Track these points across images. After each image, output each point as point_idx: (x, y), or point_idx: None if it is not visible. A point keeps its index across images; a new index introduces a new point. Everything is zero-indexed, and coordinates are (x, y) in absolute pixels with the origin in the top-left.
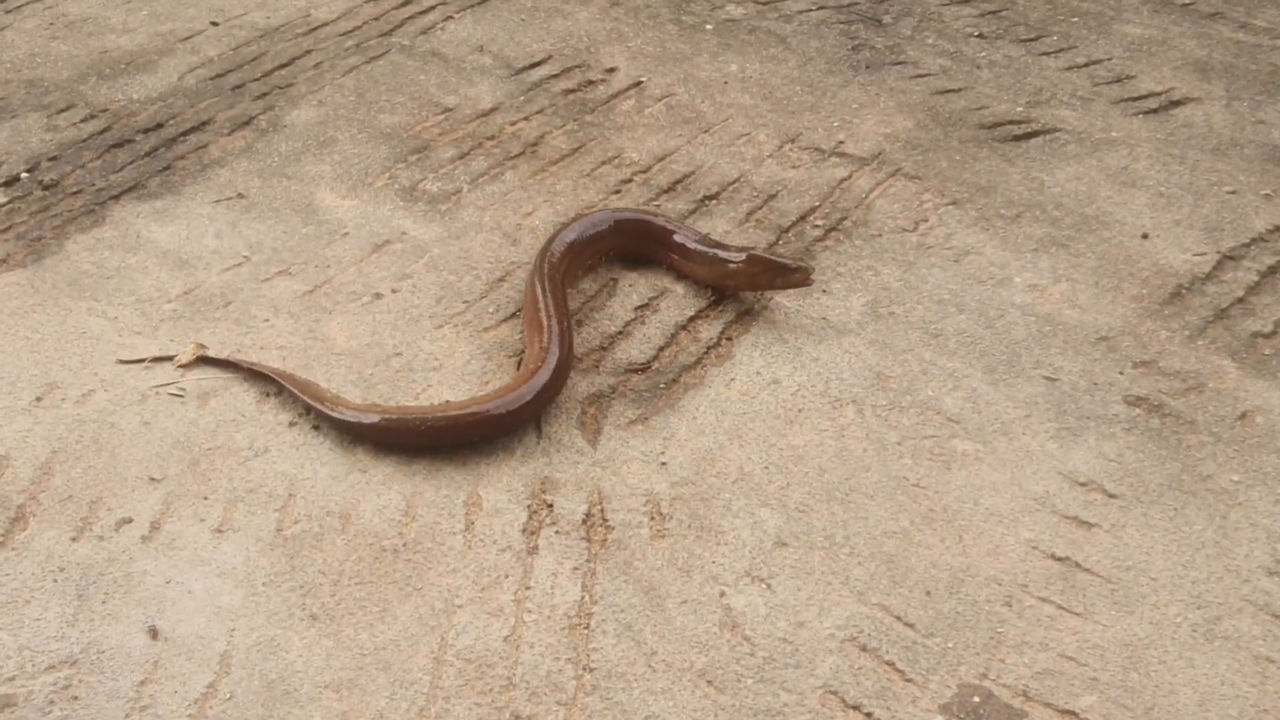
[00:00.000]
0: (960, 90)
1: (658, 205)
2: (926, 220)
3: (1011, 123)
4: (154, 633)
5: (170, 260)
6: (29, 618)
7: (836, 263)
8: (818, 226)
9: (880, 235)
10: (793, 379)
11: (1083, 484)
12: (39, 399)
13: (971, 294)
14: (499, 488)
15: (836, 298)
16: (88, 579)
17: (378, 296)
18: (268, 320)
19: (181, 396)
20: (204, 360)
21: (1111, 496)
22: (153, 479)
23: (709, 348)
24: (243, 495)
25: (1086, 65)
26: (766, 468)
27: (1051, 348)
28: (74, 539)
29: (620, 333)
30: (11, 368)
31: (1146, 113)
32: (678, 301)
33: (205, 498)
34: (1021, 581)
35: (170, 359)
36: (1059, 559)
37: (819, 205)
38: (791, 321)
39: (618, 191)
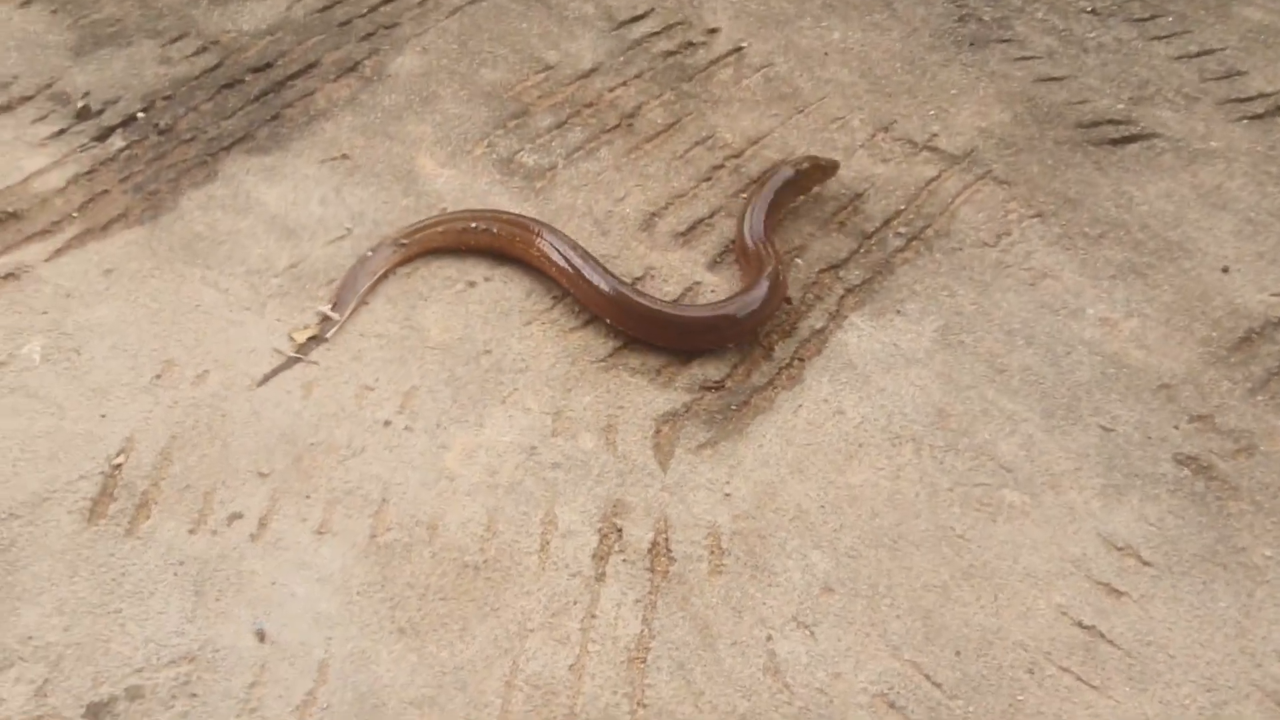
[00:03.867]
0: (1063, 79)
1: (745, 196)
2: (1009, 234)
3: (1111, 122)
4: (261, 635)
5: (278, 228)
6: (154, 610)
7: (914, 279)
8: (900, 234)
9: (961, 249)
10: (857, 410)
11: (1120, 548)
12: (158, 377)
13: (1042, 325)
14: (574, 508)
15: (910, 320)
16: (203, 574)
17: (471, 285)
18: (366, 303)
19: (296, 364)
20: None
21: (1145, 564)
22: (260, 473)
23: (781, 368)
24: (341, 497)
25: (1198, 55)
26: (823, 507)
27: (1112, 393)
28: (191, 531)
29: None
30: (134, 339)
31: (1251, 118)
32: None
33: (307, 496)
34: (1046, 649)
35: (298, 359)
36: (1085, 627)
37: (904, 209)
38: (863, 344)
39: (709, 179)
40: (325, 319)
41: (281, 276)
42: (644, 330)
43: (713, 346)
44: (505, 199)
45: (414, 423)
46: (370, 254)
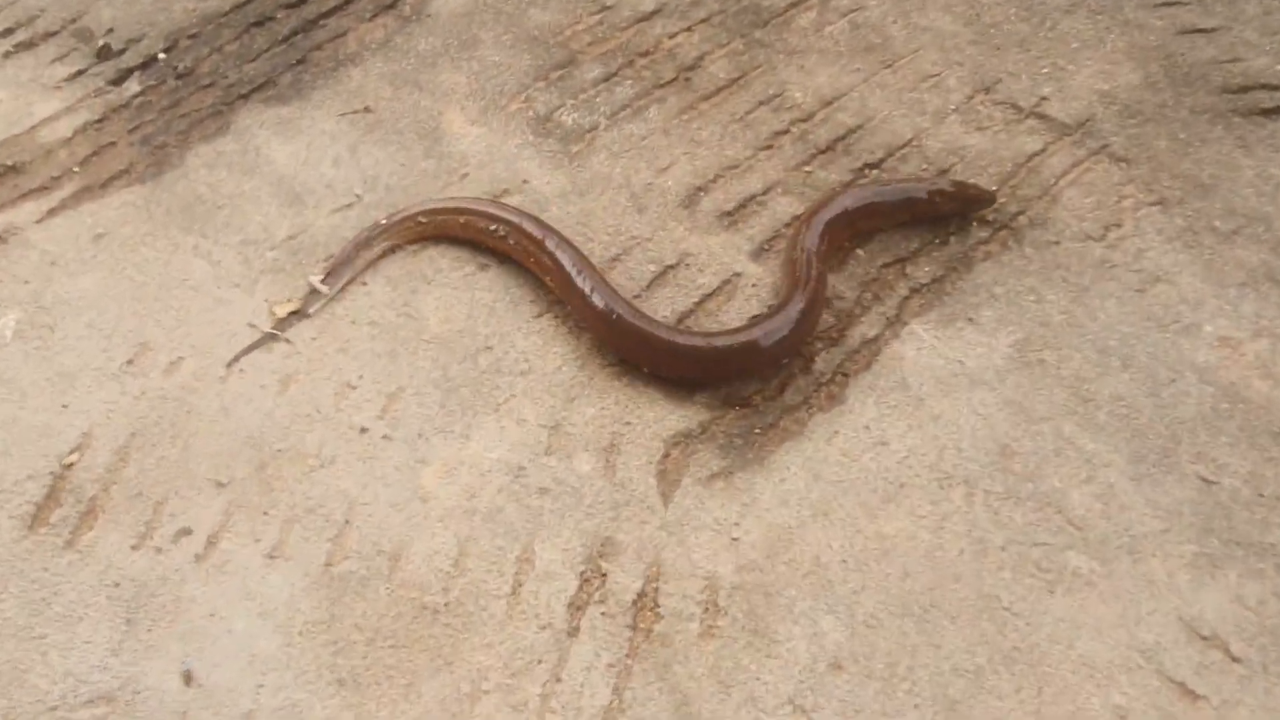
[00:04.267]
0: (1213, 32)
1: (808, 170)
2: (1120, 225)
3: (1265, 87)
4: (188, 677)
5: (284, 191)
6: (80, 638)
7: (996, 279)
8: (986, 222)
9: (1058, 243)
10: (903, 441)
11: (1205, 637)
12: (130, 362)
13: (1146, 343)
14: (556, 544)
15: (983, 330)
16: (139, 599)
17: (482, 267)
18: (364, 283)
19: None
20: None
21: (1234, 660)
22: (219, 483)
23: (820, 384)
24: (301, 515)
25: None
26: (845, 561)
27: (1222, 435)
28: (134, 547)
29: None
30: (113, 316)
31: None
32: None
33: (265, 513)
34: None
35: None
36: None
37: (996, 190)
38: (922, 359)
39: (769, 146)
40: (313, 291)
41: (278, 249)
42: (645, 358)
43: (727, 380)
44: (535, 165)
45: (394, 430)
46: (383, 222)
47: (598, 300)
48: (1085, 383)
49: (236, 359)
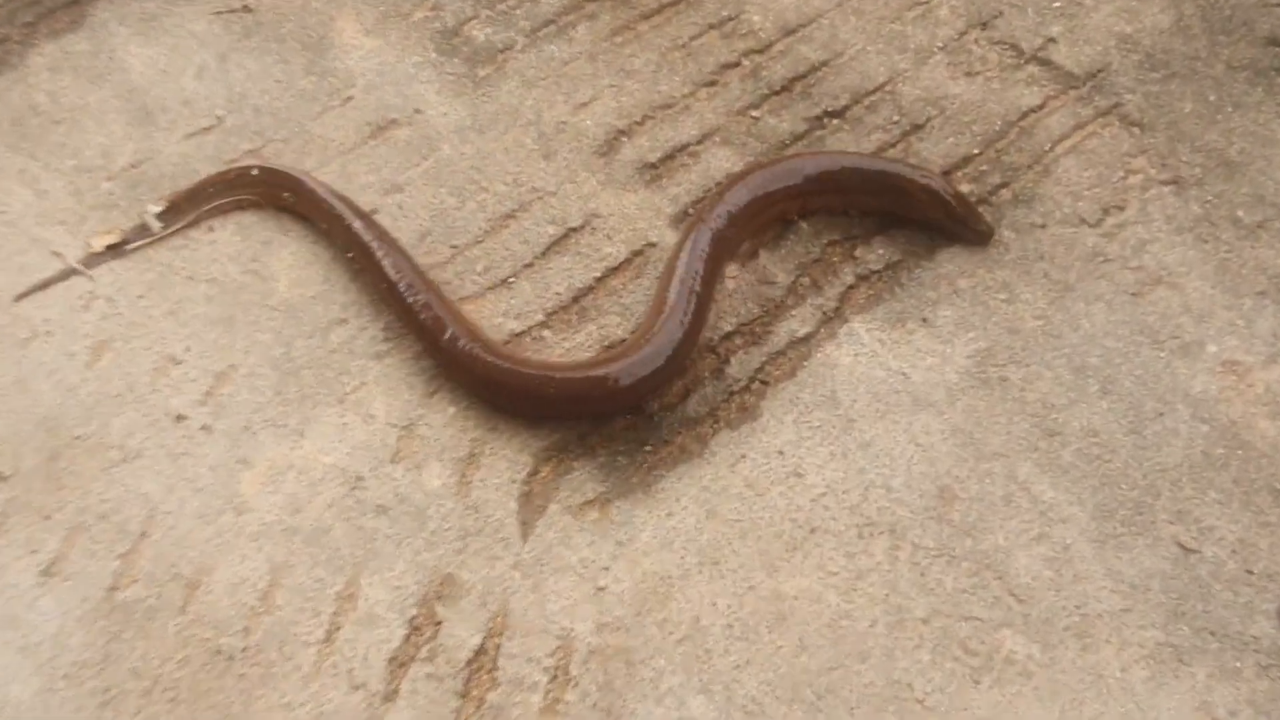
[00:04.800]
0: None
1: (755, 115)
2: (1123, 209)
3: None
4: None
5: (134, 106)
6: None
7: (961, 269)
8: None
9: (1045, 225)
10: (822, 473)
11: None
12: None
13: (1134, 363)
14: (388, 579)
15: (937, 335)
16: None
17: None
18: (210, 231)
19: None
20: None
21: None
22: (1, 475)
23: (732, 393)
24: (91, 522)
25: None
26: (730, 626)
27: (1211, 489)
28: None
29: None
30: None
31: None
32: (729, 300)
33: (48, 517)
34: None
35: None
36: None
37: (979, 154)
38: (860, 368)
39: (712, 82)
40: (143, 225)
41: (116, 180)
42: (469, 384)
43: (568, 420)
44: (433, 90)
45: (216, 420)
46: (255, 172)
47: (418, 307)
48: (1053, 411)
49: (27, 294)
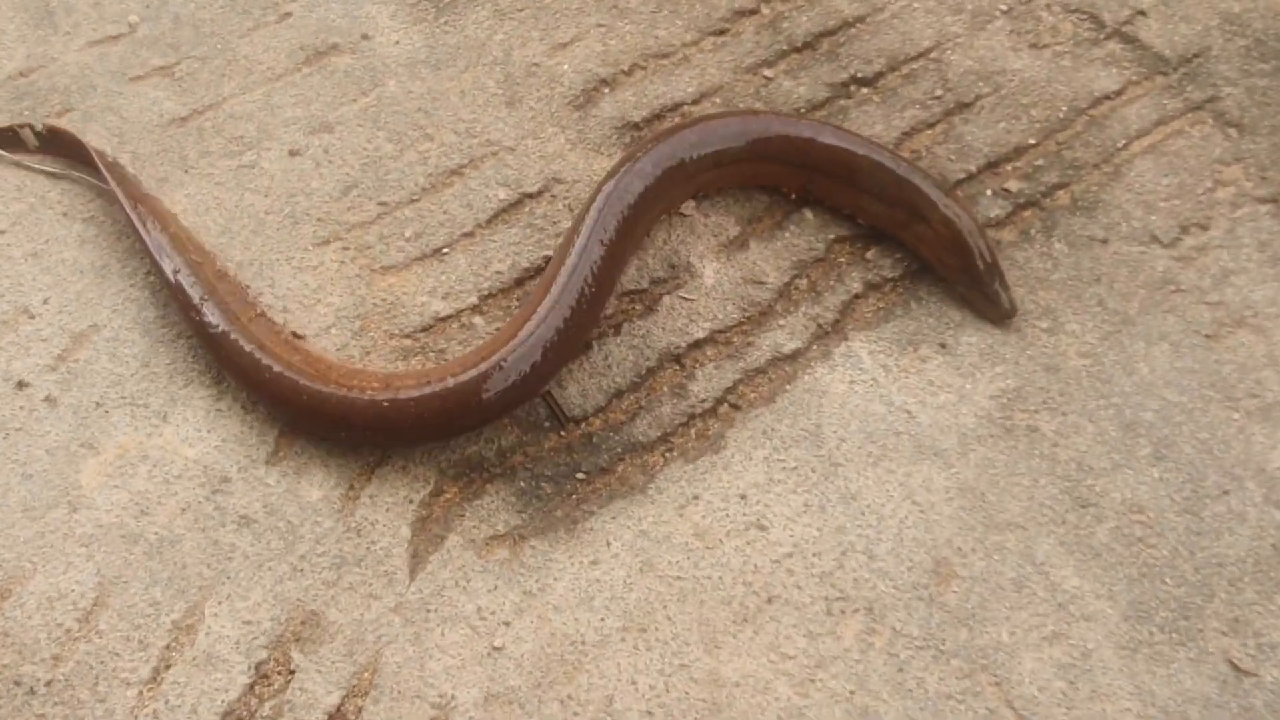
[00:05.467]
0: None
1: (769, 75)
2: (1206, 228)
3: None
4: None
5: (35, 4)
6: None
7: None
8: (1006, 196)
9: (1107, 241)
10: (790, 529)
11: None
12: None
13: (1199, 423)
14: (240, 609)
15: (957, 365)
16: None
17: (270, 154)
18: (101, 150)
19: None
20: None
21: None
22: None
23: (692, 415)
24: None
25: None
26: (649, 715)
27: (1279, 598)
28: None
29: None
30: None
31: None
32: (705, 299)
33: None
34: None
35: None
36: None
37: (1035, 145)
38: (853, 398)
39: (721, 31)
40: (14, 137)
41: (3, 89)
42: (269, 404)
43: (415, 445)
44: (387, 13)
45: (64, 391)
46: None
47: (196, 307)
48: (1090, 475)
49: None
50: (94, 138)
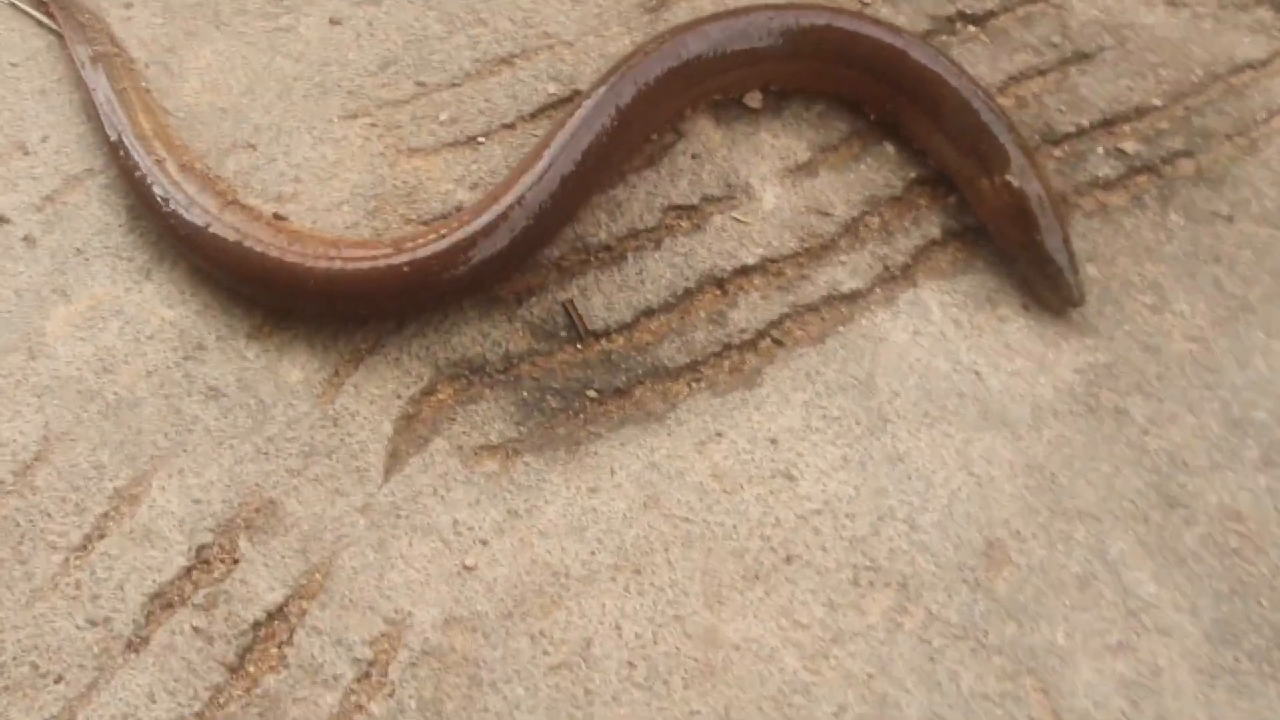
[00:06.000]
0: None
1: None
2: None
3: None
4: None
5: None
6: None
7: (1098, 248)
8: (1120, 157)
9: (1233, 219)
10: (823, 484)
11: None
12: None
13: None
14: (188, 486)
15: (1038, 332)
16: None
17: (309, 19)
18: (129, 6)
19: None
20: None
21: None
22: None
23: (728, 346)
24: None
25: None
26: (631, 665)
27: None
28: None
29: (612, 250)
30: None
31: None
32: (760, 224)
33: None
34: None
35: None
36: None
37: (1161, 107)
38: (915, 349)
39: None
40: None
41: None
42: (210, 266)
43: (367, 318)
44: None
45: (46, 233)
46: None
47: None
48: (1183, 472)
49: None
50: None
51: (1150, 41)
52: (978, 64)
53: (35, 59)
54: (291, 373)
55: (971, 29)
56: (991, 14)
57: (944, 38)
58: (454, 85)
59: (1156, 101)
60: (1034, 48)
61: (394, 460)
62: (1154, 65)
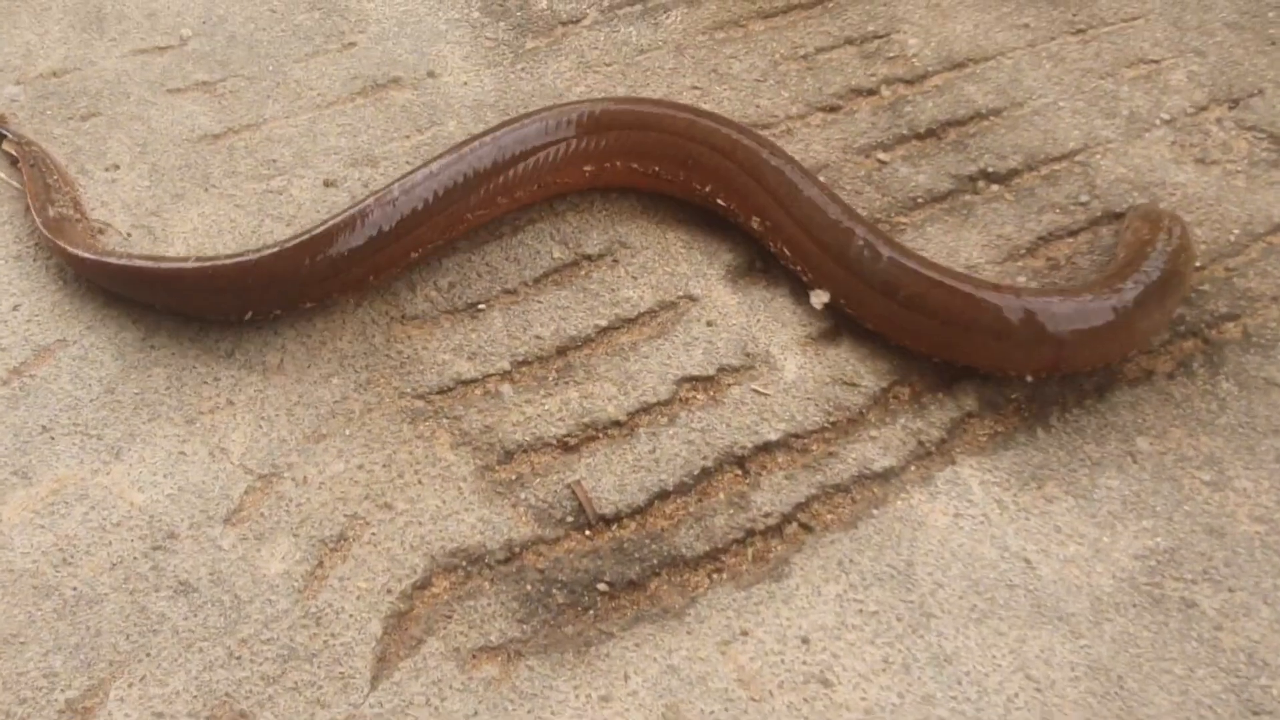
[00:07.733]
0: None
1: (883, 159)
2: None
3: None
4: None
5: (87, 9)
6: None
7: (1145, 421)
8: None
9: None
10: (863, 691)
11: None
12: None
13: None
14: (150, 698)
15: (1092, 514)
16: None
17: (296, 180)
18: (114, 169)
19: None
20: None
21: None
22: None
23: (753, 531)
24: None
25: None
26: None
27: None
28: None
29: (622, 425)
30: None
31: None
32: (782, 396)
33: None
34: None
35: None
36: None
37: (1201, 268)
38: (957, 534)
39: (834, 108)
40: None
41: (26, 86)
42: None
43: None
44: (459, 54)
45: (10, 409)
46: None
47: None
48: (1265, 674)
49: None
50: (115, 144)
51: (1184, 199)
52: (1004, 224)
53: (10, 223)
54: (271, 564)
55: (995, 187)
56: (1015, 171)
57: (967, 196)
58: (454, 249)
59: (1196, 263)
60: (1061, 206)
61: (382, 665)
62: (1191, 220)
